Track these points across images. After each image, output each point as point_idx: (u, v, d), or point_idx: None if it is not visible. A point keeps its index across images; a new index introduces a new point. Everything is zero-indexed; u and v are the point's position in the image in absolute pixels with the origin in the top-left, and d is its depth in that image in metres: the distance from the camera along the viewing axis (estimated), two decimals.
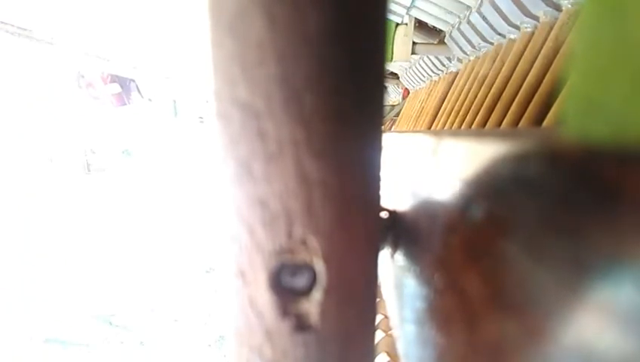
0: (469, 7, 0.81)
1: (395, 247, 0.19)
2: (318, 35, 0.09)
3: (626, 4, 0.06)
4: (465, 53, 0.86)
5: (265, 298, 0.11)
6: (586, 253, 0.06)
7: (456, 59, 0.98)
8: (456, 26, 0.86)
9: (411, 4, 0.93)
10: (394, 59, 1.04)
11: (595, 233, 0.06)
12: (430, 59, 1.12)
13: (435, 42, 1.08)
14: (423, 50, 1.06)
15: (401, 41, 1.03)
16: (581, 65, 0.07)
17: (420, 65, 1.23)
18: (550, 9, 0.60)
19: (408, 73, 1.39)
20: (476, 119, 0.71)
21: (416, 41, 1.05)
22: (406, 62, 1.17)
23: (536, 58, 0.60)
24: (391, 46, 1.03)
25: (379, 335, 0.54)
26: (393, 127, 1.64)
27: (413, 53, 1.04)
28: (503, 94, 0.65)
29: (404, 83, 1.57)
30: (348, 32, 0.09)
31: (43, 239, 2.91)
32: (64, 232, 3.01)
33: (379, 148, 0.11)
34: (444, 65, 1.09)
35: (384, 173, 0.11)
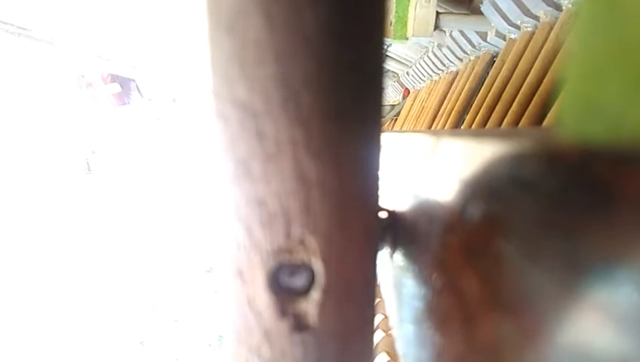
0: None
1: (394, 247, 0.19)
2: (316, 34, 0.09)
3: (623, 5, 0.06)
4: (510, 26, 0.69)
5: (263, 298, 0.11)
6: (585, 253, 0.06)
7: (494, 33, 0.75)
8: None
9: None
10: (412, 35, 0.76)
11: (594, 233, 0.06)
12: (430, 59, 1.12)
13: (466, 12, 0.83)
14: (450, 23, 0.80)
15: (420, 12, 0.75)
16: (579, 66, 0.07)
17: (420, 64, 1.23)
18: (551, 9, 0.60)
19: (409, 72, 1.38)
20: (476, 119, 0.71)
21: (440, 10, 0.79)
22: (427, 39, 0.85)
23: (536, 58, 0.60)
24: (405, 18, 0.76)
25: (379, 335, 0.54)
26: (393, 127, 1.64)
27: (436, 27, 0.78)
28: (504, 94, 0.65)
29: (404, 82, 1.57)
30: (346, 31, 0.09)
31: (42, 238, 2.91)
32: (64, 232, 3.01)
33: (378, 148, 0.11)
34: (444, 65, 1.09)
35: (383, 173, 0.11)
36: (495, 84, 0.69)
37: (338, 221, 0.11)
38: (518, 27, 0.69)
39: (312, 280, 0.11)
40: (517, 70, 0.64)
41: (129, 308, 2.47)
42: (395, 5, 0.79)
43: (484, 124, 0.68)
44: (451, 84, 0.99)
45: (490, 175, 0.10)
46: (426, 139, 0.18)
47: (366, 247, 0.11)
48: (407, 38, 0.81)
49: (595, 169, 0.06)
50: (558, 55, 0.55)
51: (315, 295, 0.11)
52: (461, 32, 0.89)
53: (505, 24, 0.70)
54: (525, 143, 0.09)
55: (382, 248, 0.19)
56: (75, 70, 3.37)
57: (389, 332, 0.53)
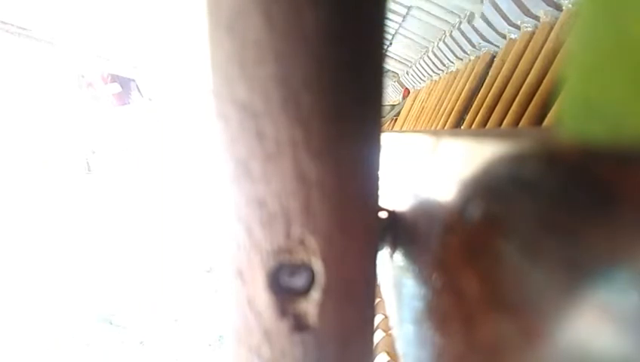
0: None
1: (394, 247, 0.19)
2: (316, 34, 0.09)
3: (623, 5, 0.06)
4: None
5: (263, 298, 0.11)
6: (584, 253, 0.06)
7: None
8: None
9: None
10: None
11: (594, 234, 0.06)
12: (430, 59, 1.12)
13: None
14: None
15: None
16: (579, 66, 0.07)
17: (420, 64, 1.23)
18: (551, 9, 0.60)
19: (409, 72, 1.38)
20: (476, 119, 0.71)
21: None
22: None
23: (536, 58, 0.60)
24: None
25: (379, 335, 0.54)
26: (393, 127, 1.64)
27: None
28: (504, 94, 0.65)
29: (404, 82, 1.57)
30: (346, 31, 0.09)
31: (42, 238, 2.91)
32: (64, 232, 3.01)
33: (378, 148, 0.11)
34: (444, 65, 1.09)
35: (383, 173, 0.11)
36: (495, 84, 0.69)
37: (338, 221, 0.11)
38: (518, 27, 0.69)
39: (312, 280, 0.11)
40: (517, 70, 0.64)
41: (129, 308, 2.47)
42: None
43: (484, 124, 0.68)
44: (451, 84, 0.99)
45: (490, 175, 0.10)
46: (426, 139, 0.18)
47: (366, 247, 0.11)
48: None
49: (595, 169, 0.06)
50: (558, 55, 0.55)
51: (315, 295, 0.11)
52: (461, 31, 0.89)
53: (505, 24, 0.70)
54: (525, 143, 0.09)
55: (382, 248, 0.19)
56: (75, 70, 3.37)
57: (389, 332, 0.53)
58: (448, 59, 1.03)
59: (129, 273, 2.71)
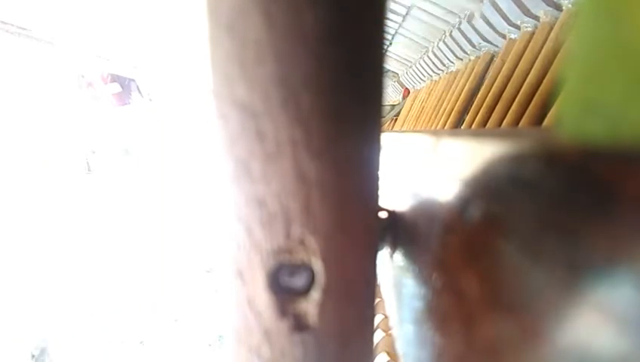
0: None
1: (394, 247, 0.19)
2: (316, 33, 0.09)
3: (623, 5, 0.06)
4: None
5: (263, 298, 0.11)
6: (584, 253, 0.06)
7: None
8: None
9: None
10: None
11: (593, 233, 0.06)
12: (430, 59, 1.12)
13: None
14: None
15: None
16: (579, 66, 0.07)
17: (420, 64, 1.23)
18: (551, 9, 0.60)
19: (409, 72, 1.38)
20: (476, 119, 0.71)
21: None
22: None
23: (536, 58, 0.60)
24: None
25: (379, 334, 0.54)
26: (393, 127, 1.64)
27: None
28: (504, 94, 0.65)
29: (404, 82, 1.57)
30: (346, 31, 0.09)
31: (42, 238, 2.91)
32: (64, 231, 3.01)
33: (378, 148, 0.11)
34: (444, 65, 1.09)
35: (383, 173, 0.11)
36: (495, 84, 0.69)
37: (338, 221, 0.11)
38: (518, 27, 0.69)
39: (312, 280, 0.11)
40: (517, 70, 0.64)
41: (129, 308, 2.47)
42: None
43: (484, 124, 0.68)
44: (451, 84, 0.99)
45: (490, 175, 0.10)
46: (426, 139, 0.18)
47: (366, 247, 0.11)
48: None
49: (595, 169, 0.06)
50: (558, 55, 0.55)
51: (315, 295, 0.11)
52: (461, 31, 0.89)
53: (505, 24, 0.70)
54: (525, 143, 0.09)
55: (382, 248, 0.19)
56: (75, 70, 3.37)
57: (389, 332, 0.53)
58: (448, 59, 1.03)
59: (129, 273, 2.71)
